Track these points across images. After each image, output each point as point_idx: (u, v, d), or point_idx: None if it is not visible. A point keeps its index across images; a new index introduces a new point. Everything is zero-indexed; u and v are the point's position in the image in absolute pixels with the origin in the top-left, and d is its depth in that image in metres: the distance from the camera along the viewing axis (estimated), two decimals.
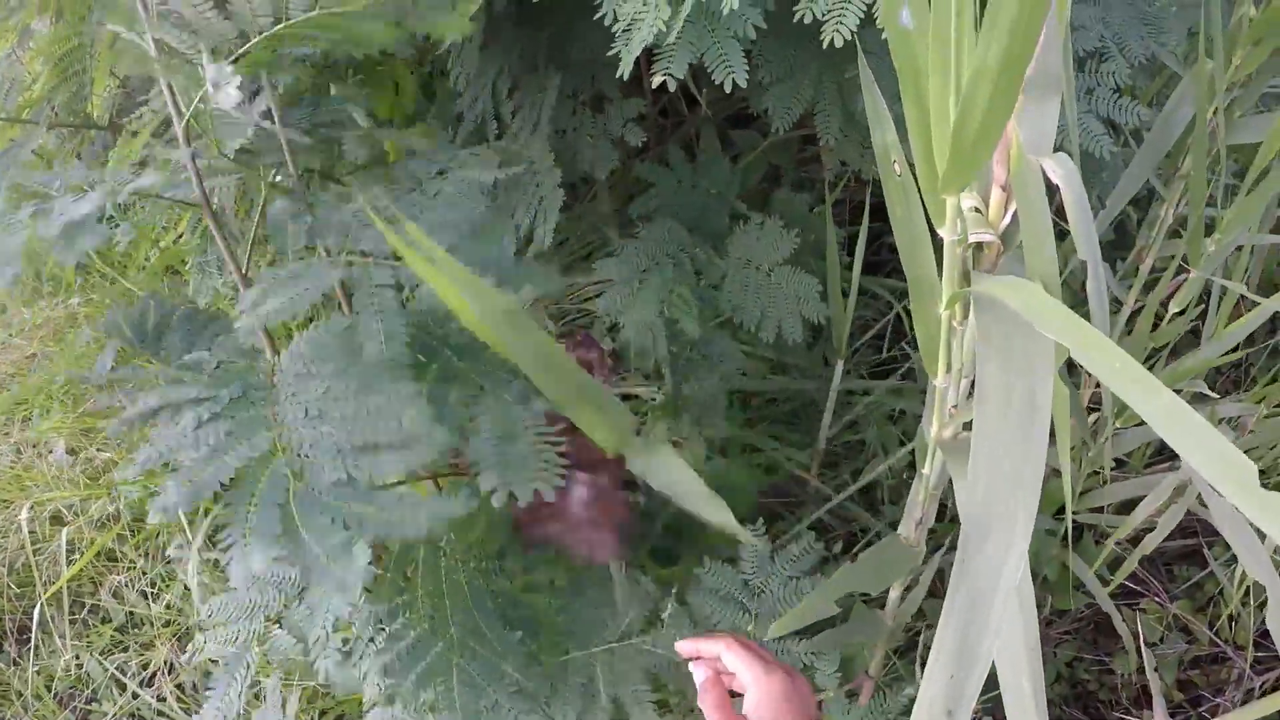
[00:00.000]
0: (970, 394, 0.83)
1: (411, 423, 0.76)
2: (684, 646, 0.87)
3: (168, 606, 2.04)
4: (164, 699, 1.94)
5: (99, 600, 2.09)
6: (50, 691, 2.02)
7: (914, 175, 0.67)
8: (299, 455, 0.75)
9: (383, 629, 1.01)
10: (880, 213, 1.59)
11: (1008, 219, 0.66)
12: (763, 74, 1.31)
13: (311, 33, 0.84)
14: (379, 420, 0.76)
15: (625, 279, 1.47)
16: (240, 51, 0.83)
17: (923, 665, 1.46)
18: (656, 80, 1.05)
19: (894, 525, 1.70)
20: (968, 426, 0.88)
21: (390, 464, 0.75)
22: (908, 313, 1.66)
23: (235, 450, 0.74)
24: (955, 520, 0.62)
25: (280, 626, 1.12)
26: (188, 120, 0.85)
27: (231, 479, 0.73)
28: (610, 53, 1.03)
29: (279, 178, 0.98)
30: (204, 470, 0.73)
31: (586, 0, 1.06)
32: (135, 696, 1.96)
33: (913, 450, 1.57)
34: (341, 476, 0.73)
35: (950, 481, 0.87)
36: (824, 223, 1.68)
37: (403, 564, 1.02)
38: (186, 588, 1.99)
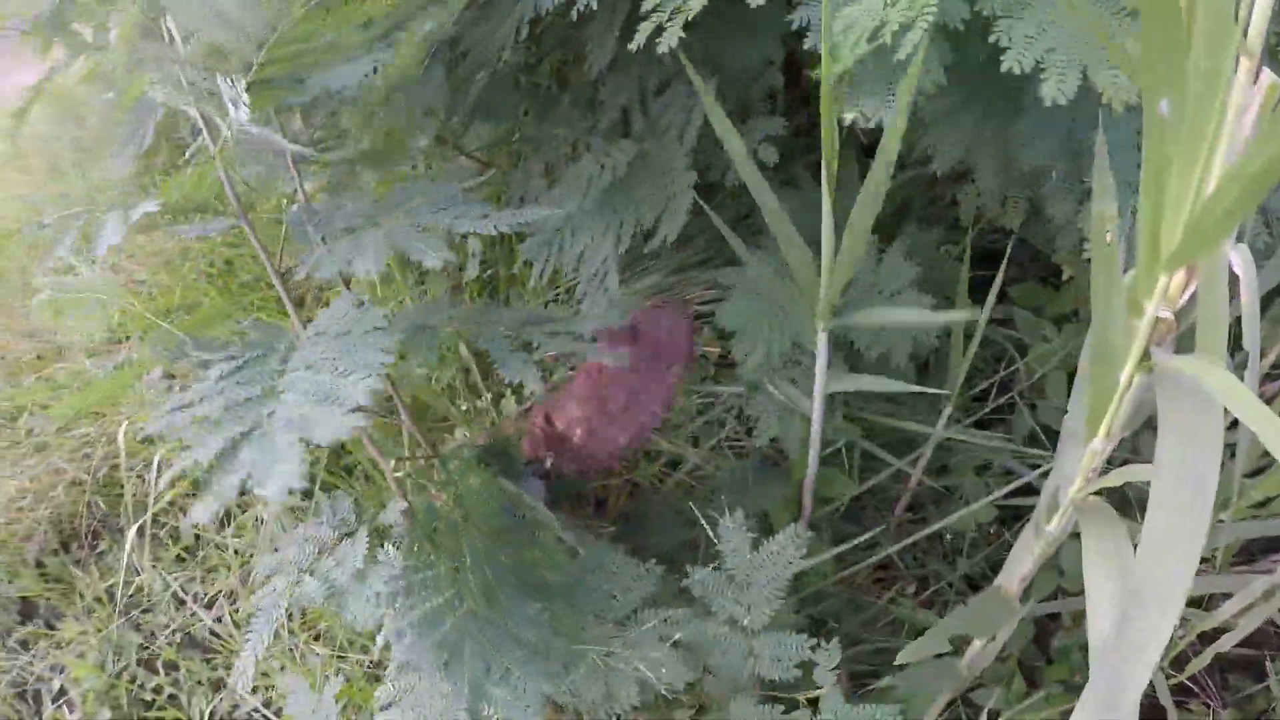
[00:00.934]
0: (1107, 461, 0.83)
1: None
2: None
3: (238, 534, 2.09)
4: (220, 620, 1.99)
5: (174, 521, 2.14)
6: (110, 598, 2.07)
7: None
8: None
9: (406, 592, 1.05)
10: (994, 261, 1.57)
11: (1185, 299, 0.68)
12: (924, 111, 1.30)
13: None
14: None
15: (745, 289, 1.48)
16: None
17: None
18: (849, 116, 1.05)
19: (968, 579, 1.69)
20: (1098, 493, 0.88)
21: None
22: (1025, 364, 1.64)
23: (241, 393, 0.83)
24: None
25: (311, 575, 1.18)
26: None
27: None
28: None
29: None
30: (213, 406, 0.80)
31: (756, 13, 1.07)
32: (192, 614, 2.00)
33: (999, 509, 1.56)
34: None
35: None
36: (946, 262, 1.68)
37: (427, 527, 1.04)
38: (259, 519, 2.04)
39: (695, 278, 1.91)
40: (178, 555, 2.10)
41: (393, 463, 1.08)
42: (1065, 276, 1.65)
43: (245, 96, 0.84)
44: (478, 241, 2.22)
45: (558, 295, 2.07)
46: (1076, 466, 0.82)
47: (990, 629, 1.06)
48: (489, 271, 2.22)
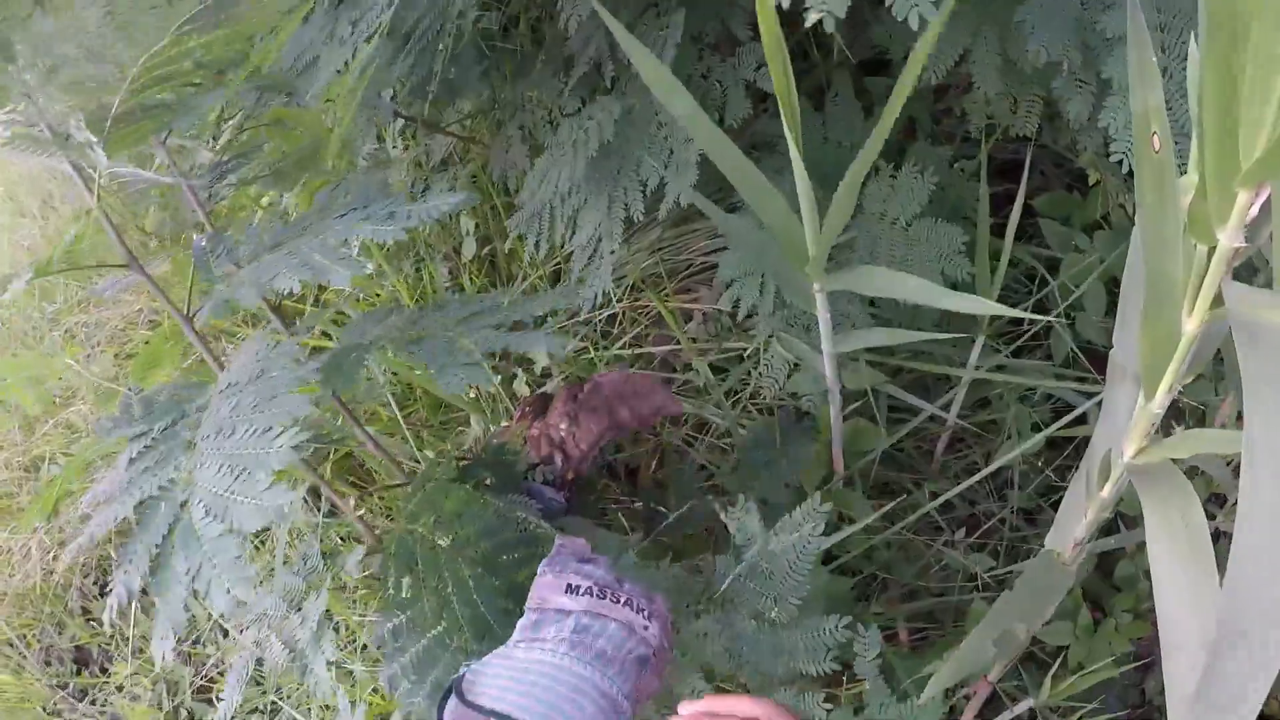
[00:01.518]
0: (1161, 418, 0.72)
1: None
2: (687, 711, 0.73)
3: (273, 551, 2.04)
4: None
5: None
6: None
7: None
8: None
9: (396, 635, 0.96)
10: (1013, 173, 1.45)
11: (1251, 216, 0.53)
12: None
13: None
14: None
15: (740, 240, 1.38)
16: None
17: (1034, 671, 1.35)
18: (811, 19, 0.93)
19: (1025, 513, 1.59)
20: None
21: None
22: (1058, 287, 1.53)
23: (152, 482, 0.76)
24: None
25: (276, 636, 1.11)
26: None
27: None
28: None
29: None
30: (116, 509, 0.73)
31: None
32: (235, 641, 1.97)
33: (1046, 439, 1.46)
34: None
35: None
36: (963, 180, 1.56)
37: (402, 566, 0.96)
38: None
39: (700, 228, 1.81)
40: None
41: (352, 501, 1.00)
42: (1092, 180, 1.53)
43: (94, 139, 0.75)
44: (470, 219, 2.13)
45: (558, 267, 1.98)
46: (1129, 421, 0.71)
47: (1047, 608, 0.97)
48: (488, 248, 2.13)
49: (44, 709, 2.07)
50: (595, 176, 1.41)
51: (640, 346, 1.86)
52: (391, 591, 0.96)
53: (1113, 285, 1.56)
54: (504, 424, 1.66)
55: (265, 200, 2.26)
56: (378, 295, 2.22)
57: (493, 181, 1.99)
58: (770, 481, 1.42)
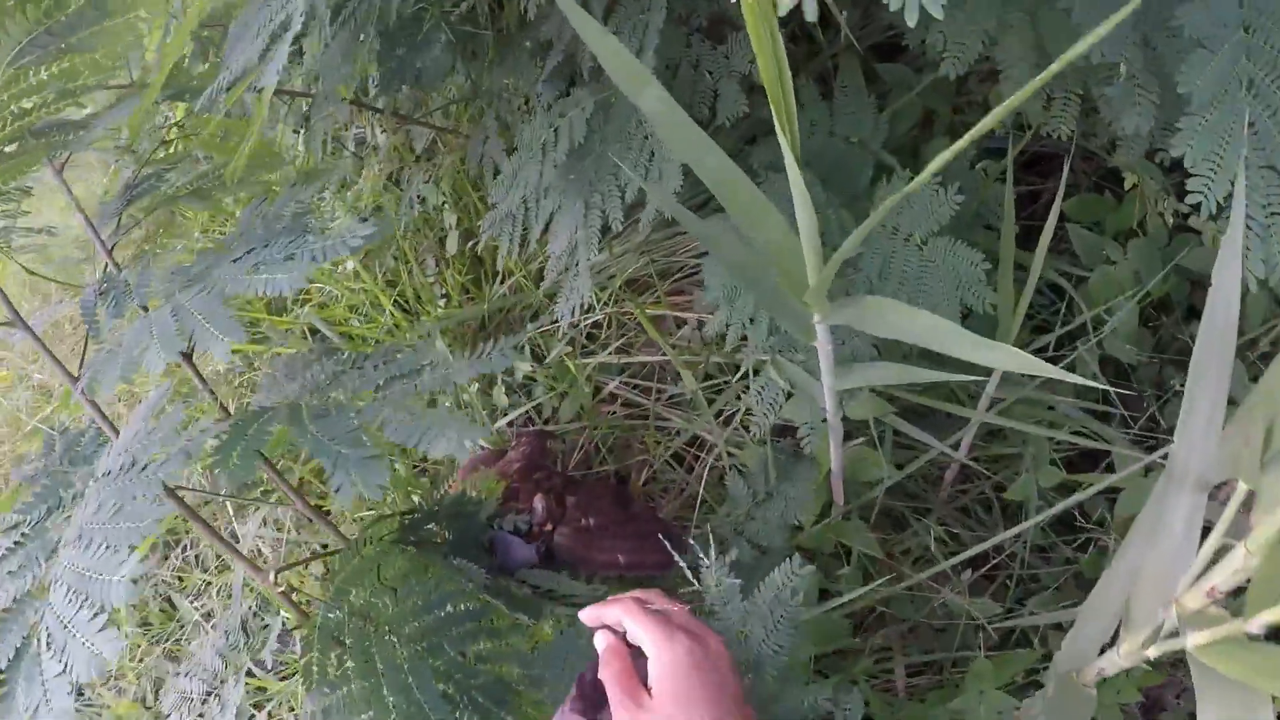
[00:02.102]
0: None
1: None
2: (586, 615, 0.77)
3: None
4: None
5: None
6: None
7: None
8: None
9: None
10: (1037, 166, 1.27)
11: None
12: None
13: None
14: None
15: (723, 253, 1.22)
16: None
17: None
18: (785, 5, 0.76)
19: (1038, 549, 1.44)
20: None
21: None
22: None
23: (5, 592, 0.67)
24: None
25: None
26: None
27: None
28: None
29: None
30: None
31: None
32: None
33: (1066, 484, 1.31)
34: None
35: None
36: (985, 183, 1.40)
37: (327, 645, 0.82)
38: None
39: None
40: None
41: (273, 575, 0.87)
42: (1128, 185, 1.37)
43: None
44: (453, 213, 1.99)
45: (543, 264, 1.83)
46: (1186, 544, 0.55)
47: None
48: (471, 243, 1.99)
49: None
50: (569, 180, 1.27)
51: (627, 354, 1.72)
52: (316, 672, 0.84)
53: (1150, 309, 1.41)
54: (473, 458, 1.52)
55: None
56: (361, 290, 2.10)
57: (469, 176, 1.86)
58: (764, 525, 1.29)
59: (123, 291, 0.79)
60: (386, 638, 0.81)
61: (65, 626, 0.59)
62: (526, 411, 1.79)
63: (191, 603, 1.98)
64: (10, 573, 0.65)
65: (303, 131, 1.55)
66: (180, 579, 2.02)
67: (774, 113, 0.73)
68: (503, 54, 1.49)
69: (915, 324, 0.85)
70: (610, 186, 1.22)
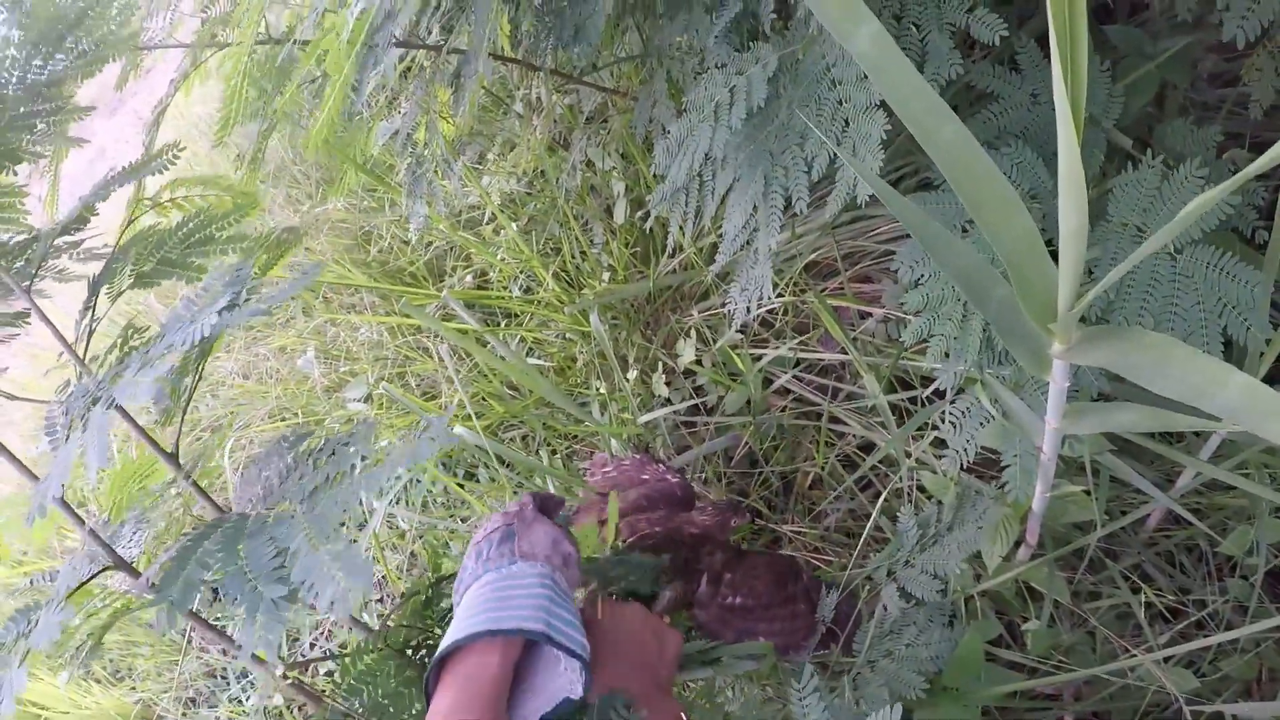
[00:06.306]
0: None
1: None
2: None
3: None
4: None
5: None
6: None
7: None
8: None
9: None
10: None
11: None
12: None
13: None
14: None
15: (930, 246, 1.03)
16: None
17: None
18: None
19: (1243, 608, 1.21)
20: None
21: None
22: None
23: None
24: None
25: None
26: None
27: None
28: None
29: None
30: None
31: None
32: None
33: None
34: None
35: None
36: (1226, 169, 1.15)
37: None
38: None
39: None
40: None
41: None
42: None
43: None
44: (621, 181, 1.87)
45: (715, 241, 1.70)
46: None
47: None
48: (641, 213, 1.86)
49: None
50: (746, 150, 1.12)
51: (806, 347, 1.56)
52: None
53: None
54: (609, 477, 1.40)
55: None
56: (520, 260, 2.02)
57: (638, 141, 1.74)
58: (920, 574, 1.12)
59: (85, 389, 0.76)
60: None
61: None
62: (690, 404, 1.66)
63: None
64: None
65: (452, 90, 1.46)
66: None
67: (1059, 66, 0.56)
68: (674, 7, 1.35)
69: (1172, 364, 0.65)
70: (795, 159, 1.07)
